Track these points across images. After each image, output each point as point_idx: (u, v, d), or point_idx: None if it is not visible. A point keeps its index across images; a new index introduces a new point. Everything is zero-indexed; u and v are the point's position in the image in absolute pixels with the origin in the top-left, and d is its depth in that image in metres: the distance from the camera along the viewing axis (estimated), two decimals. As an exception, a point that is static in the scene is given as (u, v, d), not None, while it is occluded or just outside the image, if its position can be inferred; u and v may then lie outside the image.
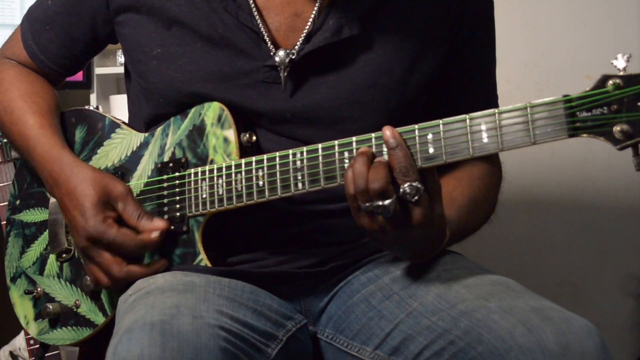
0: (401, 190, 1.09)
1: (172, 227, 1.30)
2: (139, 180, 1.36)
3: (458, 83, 1.38)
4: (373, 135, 1.14)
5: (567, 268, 2.62)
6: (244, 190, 1.25)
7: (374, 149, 1.13)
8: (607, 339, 1.06)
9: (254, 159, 1.24)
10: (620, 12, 2.55)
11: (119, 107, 2.37)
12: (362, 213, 1.12)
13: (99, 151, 1.42)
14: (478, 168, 1.37)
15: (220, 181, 1.27)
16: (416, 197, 1.09)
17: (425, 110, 1.32)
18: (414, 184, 1.09)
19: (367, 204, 1.10)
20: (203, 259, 1.28)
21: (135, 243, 1.27)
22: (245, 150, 1.28)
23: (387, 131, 1.11)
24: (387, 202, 1.09)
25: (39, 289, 1.46)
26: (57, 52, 1.46)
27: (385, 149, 1.12)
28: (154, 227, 1.28)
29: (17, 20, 2.25)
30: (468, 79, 1.38)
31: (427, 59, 1.32)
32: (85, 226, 1.28)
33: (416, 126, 1.12)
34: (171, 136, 1.34)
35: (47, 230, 1.45)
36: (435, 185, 1.13)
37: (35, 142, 1.38)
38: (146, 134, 1.38)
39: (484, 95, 1.41)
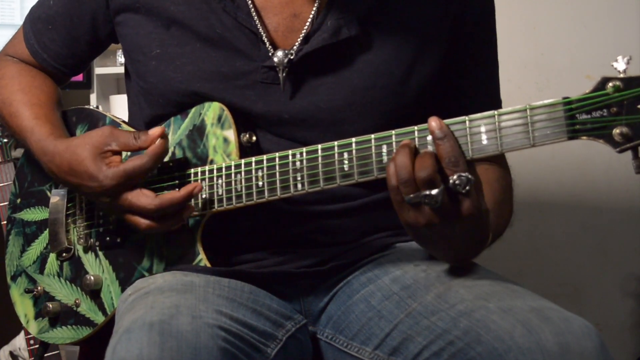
0: (451, 180, 1.06)
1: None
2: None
3: (459, 85, 1.36)
4: (415, 127, 1.11)
5: (567, 268, 2.62)
6: (243, 191, 1.25)
7: (416, 143, 1.10)
8: (607, 339, 1.06)
9: (253, 159, 1.24)
10: (620, 13, 2.54)
11: (119, 107, 2.38)
12: (406, 206, 1.09)
13: (99, 150, 1.42)
14: (492, 171, 1.34)
15: (219, 181, 1.27)
16: (467, 188, 1.06)
17: (425, 112, 1.31)
18: (463, 174, 1.06)
19: (412, 195, 1.07)
20: (202, 259, 1.28)
21: (148, 158, 1.23)
22: (245, 150, 1.28)
23: (433, 122, 1.08)
24: (434, 191, 1.06)
25: (39, 288, 1.46)
26: (60, 52, 1.46)
27: (426, 141, 1.09)
28: (154, 135, 1.24)
29: (17, 20, 2.26)
30: (469, 80, 1.37)
31: (426, 61, 1.31)
32: (102, 184, 1.24)
33: (415, 127, 1.12)
34: (171, 136, 1.34)
35: (48, 229, 1.45)
36: (479, 180, 1.12)
37: (29, 135, 1.37)
38: (146, 134, 1.38)
39: (486, 97, 1.39)
